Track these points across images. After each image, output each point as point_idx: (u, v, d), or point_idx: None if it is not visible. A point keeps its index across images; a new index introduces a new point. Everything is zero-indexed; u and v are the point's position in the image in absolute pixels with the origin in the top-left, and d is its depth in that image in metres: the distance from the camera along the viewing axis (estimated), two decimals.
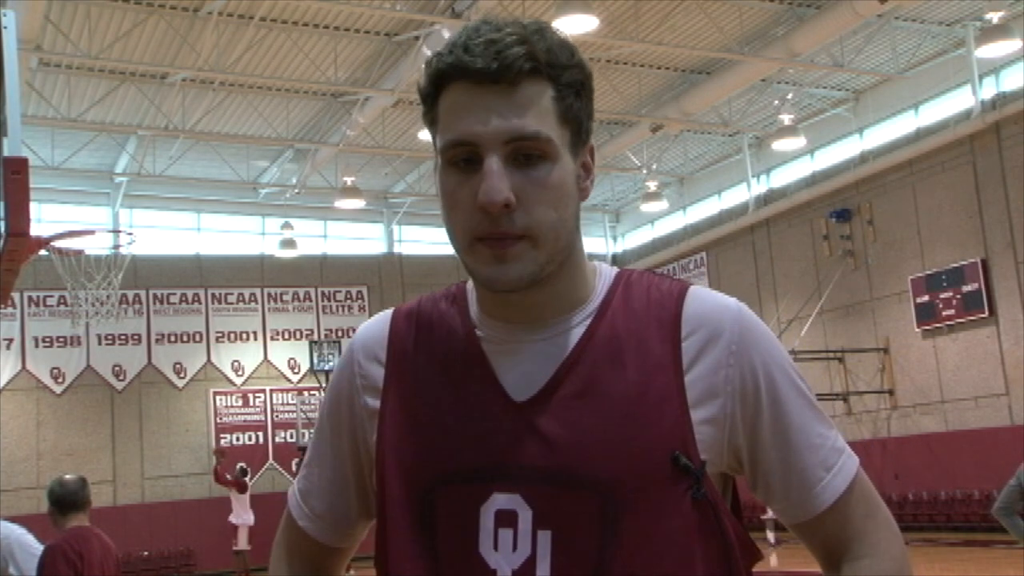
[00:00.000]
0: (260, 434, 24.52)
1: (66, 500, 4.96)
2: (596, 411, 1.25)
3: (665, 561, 1.23)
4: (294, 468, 22.83)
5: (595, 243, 28.34)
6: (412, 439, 1.32)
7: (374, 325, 1.43)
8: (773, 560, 16.21)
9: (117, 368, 23.47)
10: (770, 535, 18.42)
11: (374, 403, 1.37)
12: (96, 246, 15.83)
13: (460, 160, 1.24)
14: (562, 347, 1.29)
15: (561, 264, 1.28)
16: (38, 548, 5.21)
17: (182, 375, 24.04)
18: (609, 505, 1.22)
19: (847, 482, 1.30)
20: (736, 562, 1.27)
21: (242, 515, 19.58)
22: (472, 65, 1.22)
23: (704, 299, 1.32)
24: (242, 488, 19.75)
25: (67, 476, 5.17)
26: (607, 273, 1.36)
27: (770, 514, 15.78)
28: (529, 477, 1.24)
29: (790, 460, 1.29)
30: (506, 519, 1.24)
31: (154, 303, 23.96)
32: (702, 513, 1.24)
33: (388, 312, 1.44)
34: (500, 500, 1.25)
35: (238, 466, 20.53)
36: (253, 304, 24.91)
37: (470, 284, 1.38)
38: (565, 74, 1.25)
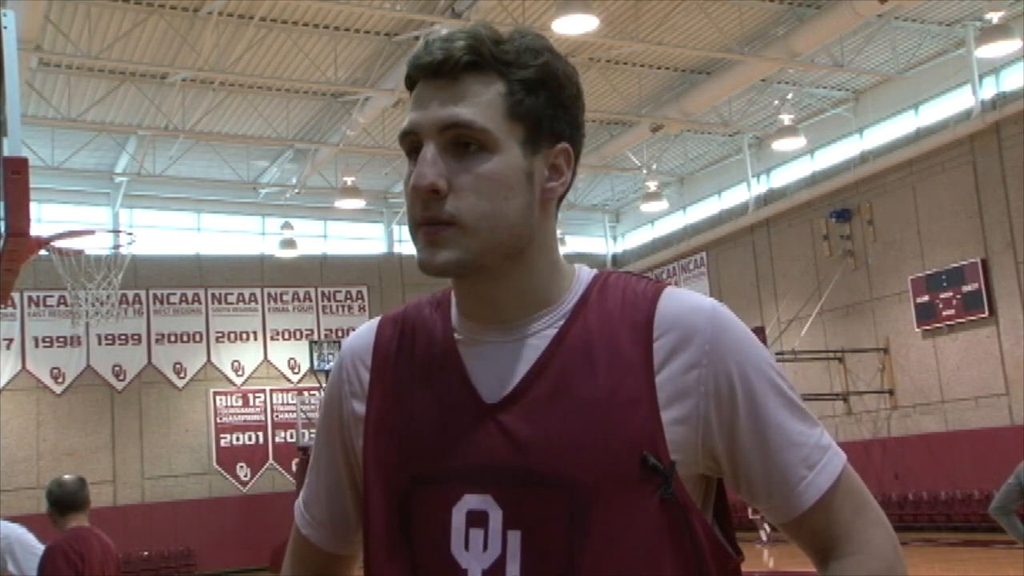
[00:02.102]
0: (260, 434, 24.52)
1: (65, 501, 4.95)
2: (565, 412, 1.25)
3: (633, 561, 1.23)
4: (294, 468, 22.82)
5: (595, 243, 28.34)
6: (390, 443, 1.34)
7: (362, 332, 1.45)
8: (766, 558, 16.21)
9: (117, 368, 23.47)
10: (763, 534, 18.43)
11: (360, 409, 1.39)
12: (96, 246, 15.82)
13: (411, 151, 1.29)
14: (534, 349, 1.29)
15: (513, 259, 1.29)
16: (39, 547, 5.21)
17: (182, 375, 24.04)
18: (577, 505, 1.22)
19: (831, 479, 1.29)
20: (706, 564, 1.26)
21: None
22: (419, 60, 1.28)
23: (678, 300, 1.31)
24: None
25: (66, 477, 5.16)
26: (584, 275, 1.37)
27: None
28: (499, 478, 1.25)
29: (770, 460, 1.28)
30: (477, 520, 1.25)
31: (154, 303, 23.96)
32: (671, 513, 1.24)
33: (376, 319, 1.46)
34: (471, 501, 1.26)
35: None
36: (253, 304, 24.91)
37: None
38: (519, 72, 1.27)
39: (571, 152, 1.33)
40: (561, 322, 1.31)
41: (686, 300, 1.31)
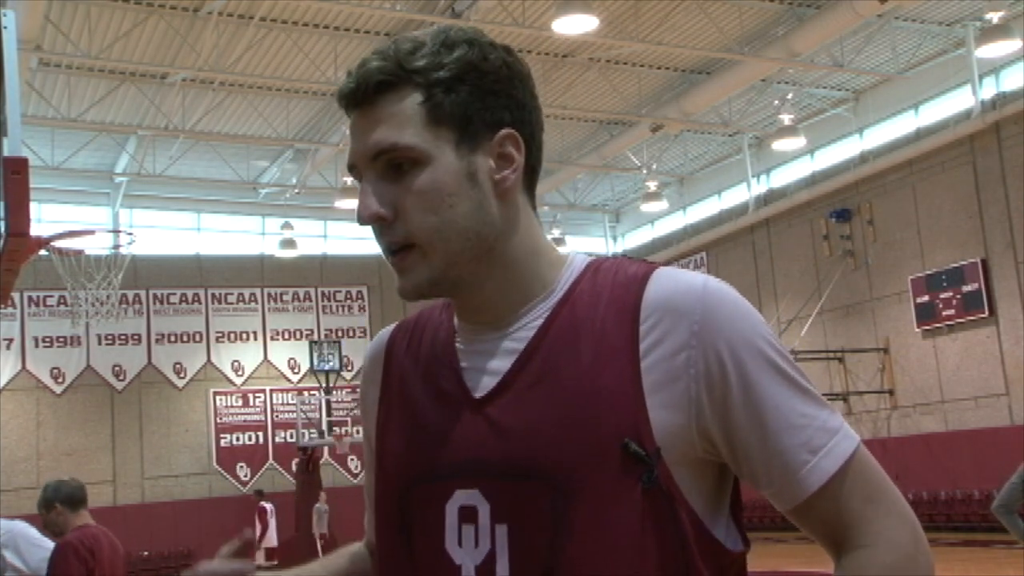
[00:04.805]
0: (260, 434, 24.53)
1: (76, 495, 5.03)
2: (547, 400, 1.23)
3: (615, 551, 1.19)
4: (294, 468, 22.83)
5: (595, 243, 28.35)
6: (395, 442, 1.35)
7: (380, 337, 1.48)
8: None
9: (117, 368, 23.47)
10: None
11: (375, 411, 1.42)
12: (96, 246, 15.82)
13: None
14: (522, 340, 1.28)
15: (485, 260, 1.28)
16: (43, 540, 5.25)
17: (182, 375, 24.05)
18: (559, 495, 1.20)
19: (838, 464, 1.22)
20: (692, 555, 1.21)
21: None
22: (340, 92, 1.29)
23: (667, 280, 1.26)
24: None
25: (63, 477, 5.25)
26: (578, 262, 1.34)
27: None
28: (486, 471, 1.24)
29: (768, 443, 1.22)
30: (468, 515, 1.25)
31: (154, 303, 23.97)
32: (654, 502, 1.20)
33: (394, 324, 1.48)
34: (462, 496, 1.25)
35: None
36: (253, 304, 24.92)
37: None
38: (433, 75, 1.25)
39: (517, 135, 1.29)
40: (549, 311, 1.29)
41: (675, 280, 1.27)
